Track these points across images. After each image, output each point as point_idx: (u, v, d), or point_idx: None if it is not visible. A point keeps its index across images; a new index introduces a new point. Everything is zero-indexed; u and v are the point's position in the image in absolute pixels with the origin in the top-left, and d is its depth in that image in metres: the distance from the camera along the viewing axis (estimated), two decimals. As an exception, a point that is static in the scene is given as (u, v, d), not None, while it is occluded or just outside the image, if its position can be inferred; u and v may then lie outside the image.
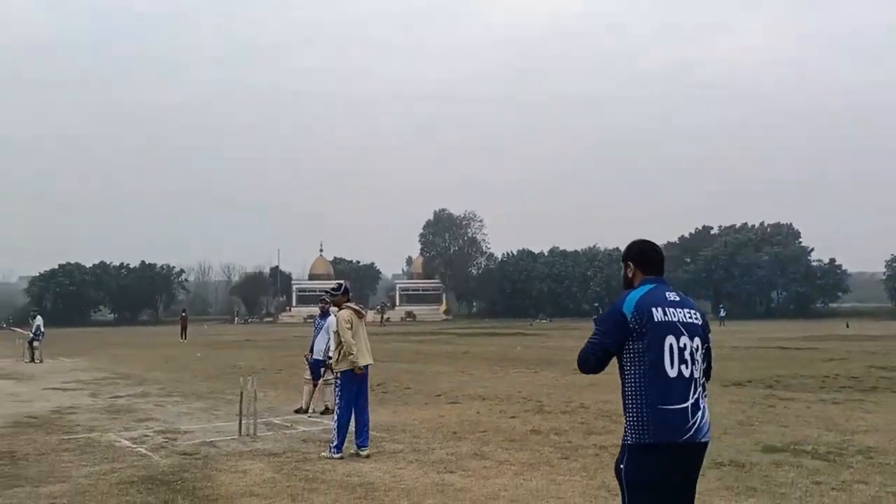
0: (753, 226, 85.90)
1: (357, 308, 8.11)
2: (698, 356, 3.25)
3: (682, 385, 3.15)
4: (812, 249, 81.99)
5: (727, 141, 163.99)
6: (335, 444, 7.49)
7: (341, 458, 7.39)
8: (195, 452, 7.89)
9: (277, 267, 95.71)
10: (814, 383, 13.83)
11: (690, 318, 3.29)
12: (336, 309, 8.45)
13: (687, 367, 3.17)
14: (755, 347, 25.90)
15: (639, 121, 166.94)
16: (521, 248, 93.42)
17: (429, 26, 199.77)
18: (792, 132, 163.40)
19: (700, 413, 3.17)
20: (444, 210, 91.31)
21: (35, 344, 23.25)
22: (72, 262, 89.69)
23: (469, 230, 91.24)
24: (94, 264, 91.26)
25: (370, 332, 8.37)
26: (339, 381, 7.82)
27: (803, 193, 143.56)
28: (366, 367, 7.78)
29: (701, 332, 3.31)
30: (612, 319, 3.26)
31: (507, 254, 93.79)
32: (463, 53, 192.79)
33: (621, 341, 3.22)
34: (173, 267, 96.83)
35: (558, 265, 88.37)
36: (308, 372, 11.22)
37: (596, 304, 41.70)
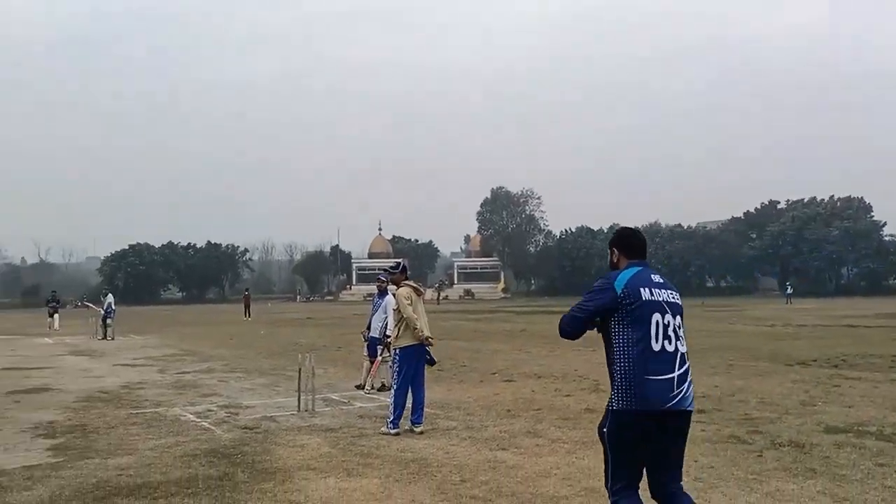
0: (823, 200, 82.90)
1: (415, 286, 8.19)
2: (681, 332, 3.60)
3: (667, 358, 3.51)
4: (885, 224, 78.76)
5: (794, 112, 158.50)
6: (392, 419, 7.61)
7: (397, 434, 7.50)
8: (256, 427, 8.13)
9: (338, 246, 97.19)
10: (882, 363, 13.36)
11: (672, 298, 3.65)
12: (394, 287, 8.54)
13: (670, 343, 3.54)
14: (822, 325, 25.14)
15: (694, 94, 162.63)
16: (579, 225, 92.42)
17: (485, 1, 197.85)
18: (865, 103, 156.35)
19: (686, 384, 3.54)
20: (501, 188, 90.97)
21: (107, 321, 24.22)
22: (141, 243, 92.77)
23: (527, 207, 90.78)
24: (162, 244, 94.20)
25: (428, 311, 8.44)
26: (396, 359, 7.92)
27: (875, 166, 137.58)
28: (421, 346, 7.83)
29: (681, 311, 3.68)
30: (605, 291, 3.61)
31: (566, 231, 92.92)
32: (516, 29, 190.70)
33: (609, 311, 3.58)
34: (238, 246, 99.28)
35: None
36: (366, 349, 11.41)
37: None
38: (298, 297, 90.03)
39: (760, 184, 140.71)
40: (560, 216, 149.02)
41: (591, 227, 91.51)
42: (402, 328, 7.80)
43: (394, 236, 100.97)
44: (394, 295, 8.55)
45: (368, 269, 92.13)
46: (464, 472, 5.99)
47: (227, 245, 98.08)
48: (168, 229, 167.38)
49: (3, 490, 5.61)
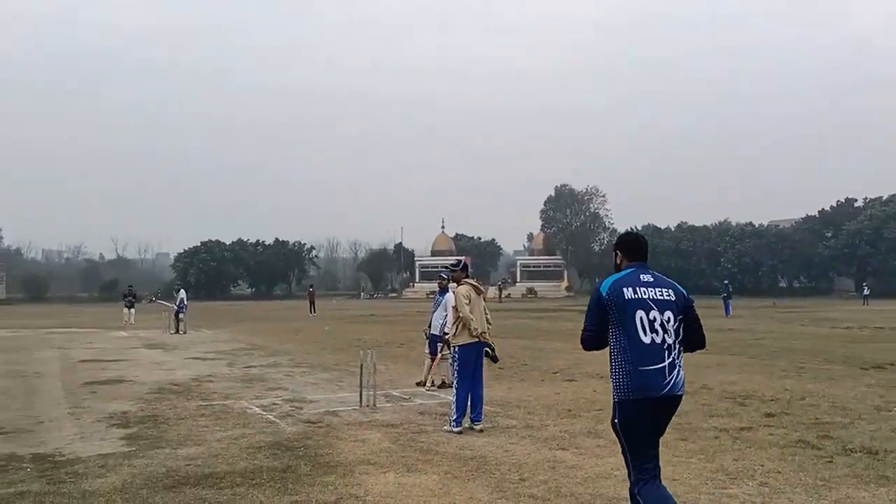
0: (904, 197, 79.24)
1: (475, 284, 8.19)
2: (670, 327, 3.91)
3: (656, 350, 3.85)
4: (971, 222, 74.67)
5: (873, 108, 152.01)
6: (454, 418, 7.63)
7: (460, 432, 7.51)
8: (319, 421, 8.28)
9: (401, 244, 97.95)
10: (967, 368, 12.70)
11: (661, 295, 3.96)
12: (455, 285, 8.58)
13: (658, 335, 3.87)
14: (903, 328, 24.05)
15: (765, 90, 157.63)
16: (645, 224, 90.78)
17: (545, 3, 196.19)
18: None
19: (675, 371, 3.89)
20: (565, 185, 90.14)
21: (180, 316, 25.02)
22: (212, 240, 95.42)
23: (591, 205, 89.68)
24: (232, 241, 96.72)
25: (491, 309, 8.44)
26: (456, 357, 7.95)
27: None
28: (480, 343, 7.83)
29: (674, 307, 3.96)
30: (594, 298, 4.01)
31: (631, 229, 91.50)
32: (576, 27, 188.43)
33: (604, 315, 3.93)
34: (304, 244, 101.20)
35: (686, 241, 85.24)
36: (427, 346, 11.48)
37: (726, 282, 39.78)
38: (362, 293, 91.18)
39: (836, 181, 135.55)
40: (626, 214, 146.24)
41: (658, 226, 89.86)
42: (459, 326, 7.83)
43: (457, 234, 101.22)
44: (454, 293, 8.58)
45: (431, 267, 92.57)
46: (523, 470, 5.97)
47: (294, 242, 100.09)
48: (238, 227, 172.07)
49: (79, 477, 5.86)
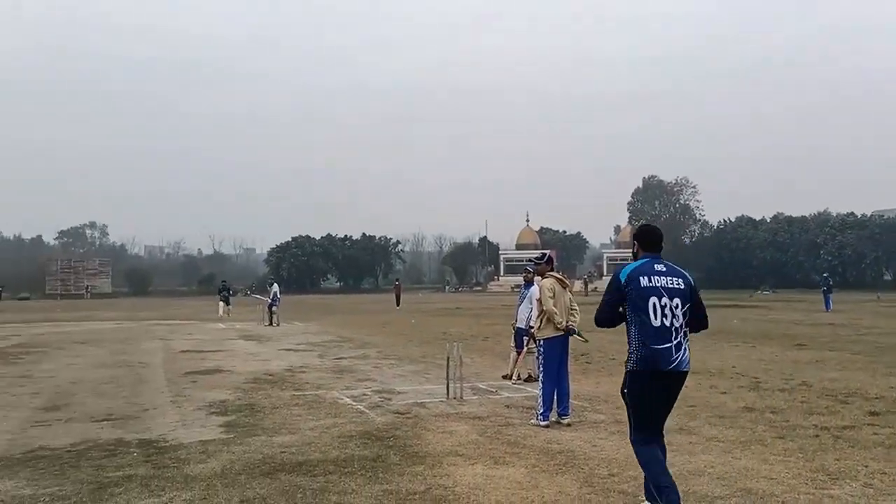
0: None
1: (560, 277, 8.13)
2: (678, 312, 4.53)
3: (665, 331, 4.49)
4: None
5: None
6: (541, 412, 7.60)
7: (547, 426, 7.48)
8: (407, 412, 8.41)
9: (486, 237, 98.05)
10: None
11: (672, 284, 4.59)
12: (539, 278, 8.53)
13: (667, 319, 4.49)
14: None
15: (867, 72, 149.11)
16: (739, 215, 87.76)
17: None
18: None
19: (682, 351, 4.52)
20: (653, 177, 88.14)
21: (273, 309, 25.85)
22: (303, 235, 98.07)
23: (681, 197, 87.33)
24: (322, 236, 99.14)
25: (578, 302, 8.36)
26: (541, 350, 7.91)
27: None
28: (565, 336, 7.78)
29: (681, 294, 4.58)
30: (613, 284, 4.68)
31: (724, 221, 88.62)
32: (662, 13, 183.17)
33: (620, 300, 4.62)
34: (390, 238, 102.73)
35: (783, 232, 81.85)
36: (513, 339, 11.47)
37: (826, 275, 37.91)
38: (447, 287, 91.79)
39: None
40: (717, 205, 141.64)
41: (753, 217, 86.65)
42: (544, 320, 7.79)
43: (542, 227, 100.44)
44: (538, 286, 8.53)
45: (516, 261, 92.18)
46: (612, 466, 5.90)
47: (381, 237, 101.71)
48: (325, 222, 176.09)
49: (182, 462, 6.16)
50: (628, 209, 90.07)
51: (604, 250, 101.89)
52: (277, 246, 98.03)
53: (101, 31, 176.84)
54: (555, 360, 7.75)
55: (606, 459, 6.10)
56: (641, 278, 4.54)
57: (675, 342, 4.49)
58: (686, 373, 4.56)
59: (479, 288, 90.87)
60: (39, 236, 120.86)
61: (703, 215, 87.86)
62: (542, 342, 7.87)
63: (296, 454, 6.37)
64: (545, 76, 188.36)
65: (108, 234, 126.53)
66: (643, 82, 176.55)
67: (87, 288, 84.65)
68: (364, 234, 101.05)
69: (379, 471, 5.80)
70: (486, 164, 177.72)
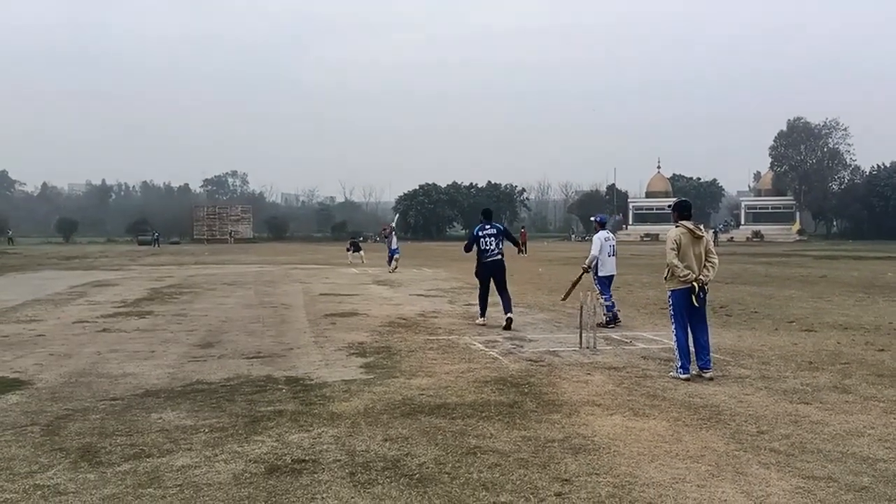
0: None
1: (691, 227, 7.62)
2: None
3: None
4: None
5: None
6: (679, 364, 7.34)
7: (687, 379, 7.22)
8: (539, 360, 8.38)
9: (614, 185, 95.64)
10: None
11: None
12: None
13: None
14: None
15: None
16: (894, 159, 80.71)
17: None
18: None
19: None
20: (799, 119, 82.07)
21: (395, 257, 26.10)
22: (430, 183, 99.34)
23: (830, 140, 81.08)
24: (447, 185, 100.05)
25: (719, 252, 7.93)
26: (670, 301, 7.61)
27: None
28: (691, 288, 7.34)
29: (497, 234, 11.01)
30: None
31: (878, 166, 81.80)
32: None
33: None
34: (515, 186, 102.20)
35: (948, 178, 74.66)
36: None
37: None
38: (573, 236, 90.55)
39: None
40: (871, 150, 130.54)
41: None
42: (669, 271, 7.47)
43: (674, 174, 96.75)
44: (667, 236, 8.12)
45: (646, 209, 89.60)
46: (760, 423, 5.63)
47: (506, 185, 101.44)
48: (452, 170, 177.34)
49: (327, 400, 6.43)
50: (770, 154, 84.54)
51: (742, 198, 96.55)
52: (405, 194, 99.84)
53: None
54: (681, 311, 7.43)
55: (755, 416, 5.83)
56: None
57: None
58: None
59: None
60: (186, 184, 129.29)
61: (855, 160, 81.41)
62: (669, 293, 7.56)
63: (433, 397, 6.49)
64: (684, 5, 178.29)
65: (248, 182, 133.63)
66: (791, 13, 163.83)
67: (230, 233, 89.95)
68: (489, 181, 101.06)
69: (516, 417, 5.82)
70: (612, 110, 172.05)
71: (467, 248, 11.84)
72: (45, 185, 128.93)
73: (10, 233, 79.02)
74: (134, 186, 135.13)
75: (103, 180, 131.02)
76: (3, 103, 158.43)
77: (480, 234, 11.49)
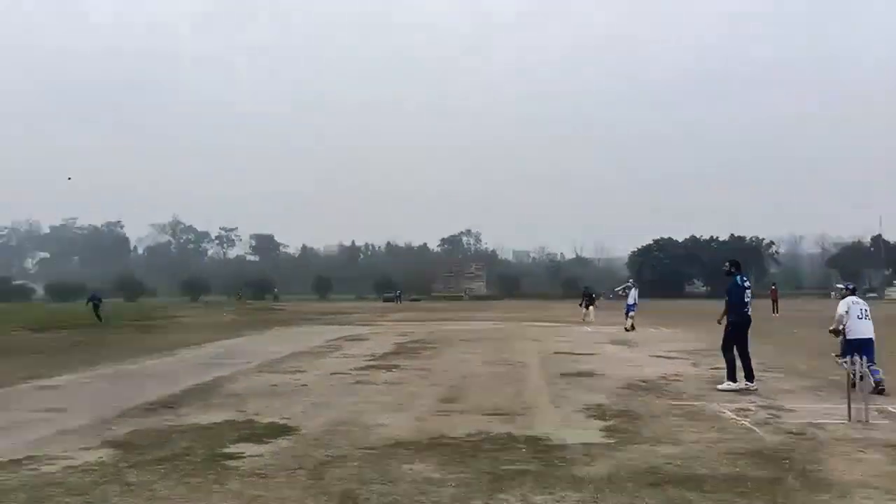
0: None
1: None
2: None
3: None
4: None
5: None
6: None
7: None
8: (801, 433, 7.62)
9: (880, 235, 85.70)
10: None
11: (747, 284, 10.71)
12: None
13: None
14: None
15: None
16: None
17: None
18: None
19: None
20: None
21: (630, 313, 25.33)
22: (665, 237, 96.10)
23: None
24: (685, 238, 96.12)
25: None
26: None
27: None
28: None
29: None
30: (735, 285, 10.93)
31: None
32: None
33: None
34: (763, 239, 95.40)
35: None
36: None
37: None
38: (834, 293, 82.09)
39: None
40: None
41: None
42: None
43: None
44: None
45: (921, 262, 79.17)
46: None
47: (752, 237, 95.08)
48: (690, 225, 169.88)
49: (568, 462, 6.34)
50: None
51: None
52: (639, 249, 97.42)
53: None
54: None
55: None
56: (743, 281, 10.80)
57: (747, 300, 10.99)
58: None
59: (872, 294, 79.68)
60: (425, 244, 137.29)
61: None
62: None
63: (681, 467, 6.14)
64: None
65: (481, 241, 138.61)
66: None
67: (465, 290, 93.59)
68: (732, 234, 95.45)
69: (777, 495, 5.32)
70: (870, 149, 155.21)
71: (736, 299, 11.09)
72: (304, 247, 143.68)
73: (276, 291, 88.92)
74: (379, 247, 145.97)
75: (353, 241, 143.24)
76: (270, 177, 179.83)
77: (747, 284, 11.02)
